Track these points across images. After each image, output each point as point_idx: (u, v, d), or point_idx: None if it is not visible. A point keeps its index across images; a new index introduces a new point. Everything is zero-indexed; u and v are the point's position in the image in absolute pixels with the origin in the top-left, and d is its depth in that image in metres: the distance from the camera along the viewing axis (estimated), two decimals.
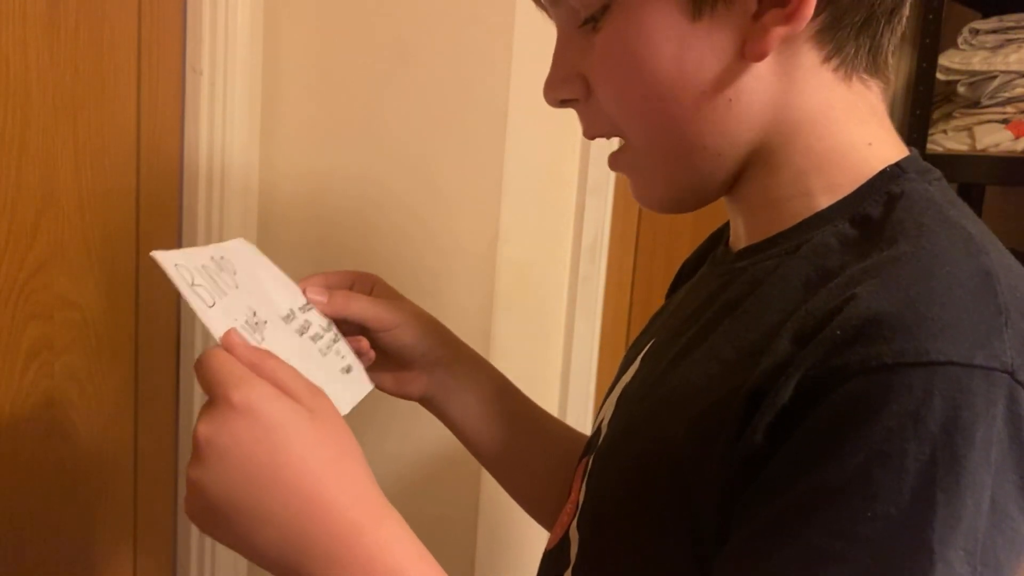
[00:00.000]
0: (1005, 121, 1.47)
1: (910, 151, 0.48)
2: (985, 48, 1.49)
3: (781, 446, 0.38)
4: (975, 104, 1.50)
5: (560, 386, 1.24)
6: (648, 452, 0.47)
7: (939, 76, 1.54)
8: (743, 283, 0.48)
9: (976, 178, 1.62)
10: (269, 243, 1.02)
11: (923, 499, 0.34)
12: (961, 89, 1.51)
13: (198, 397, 0.95)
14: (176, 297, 0.93)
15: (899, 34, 0.47)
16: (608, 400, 0.60)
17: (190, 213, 0.91)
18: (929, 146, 1.56)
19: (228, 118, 0.91)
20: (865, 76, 0.47)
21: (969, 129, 1.52)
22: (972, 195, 1.76)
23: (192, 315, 0.93)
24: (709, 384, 0.44)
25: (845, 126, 0.47)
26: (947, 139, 1.55)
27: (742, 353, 0.43)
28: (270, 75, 0.97)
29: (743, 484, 0.39)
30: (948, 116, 1.57)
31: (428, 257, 1.08)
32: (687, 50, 0.45)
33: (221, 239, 0.93)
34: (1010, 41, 1.47)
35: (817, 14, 0.43)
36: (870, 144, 0.47)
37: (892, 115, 1.67)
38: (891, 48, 0.48)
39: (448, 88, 1.03)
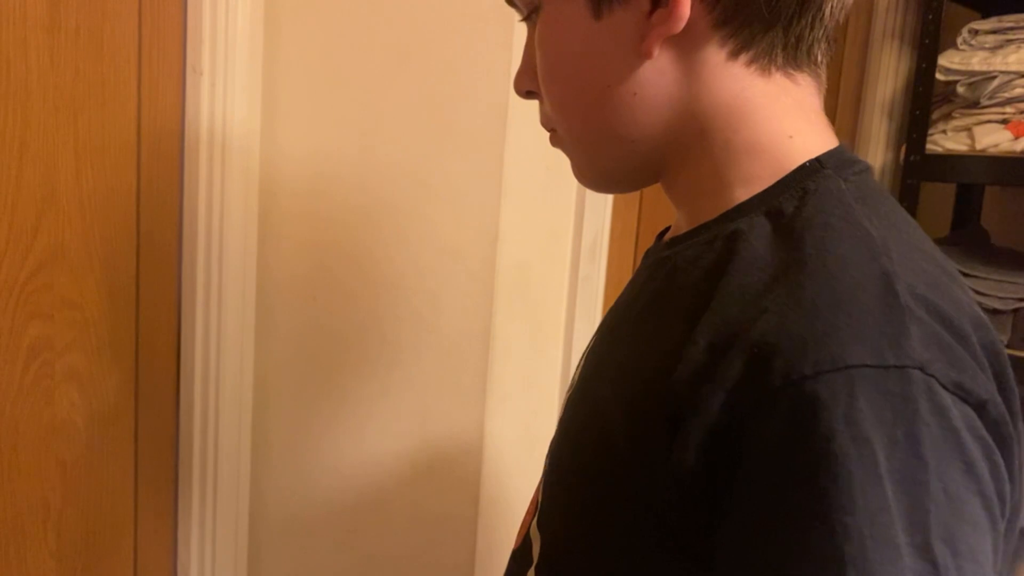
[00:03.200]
0: (1004, 121, 1.47)
1: (839, 143, 0.49)
2: (984, 48, 1.49)
3: (721, 476, 0.39)
4: (974, 104, 1.50)
5: (560, 386, 1.24)
6: (587, 451, 0.48)
7: (938, 76, 1.54)
8: (665, 273, 0.49)
9: (975, 178, 1.62)
10: (269, 245, 1.02)
11: (875, 500, 0.35)
12: (960, 89, 1.51)
13: (198, 397, 0.95)
14: (176, 297, 0.93)
15: (825, 26, 0.47)
16: (564, 399, 0.62)
17: (190, 213, 0.91)
18: (928, 146, 1.56)
19: (228, 118, 0.91)
20: (789, 70, 0.47)
21: (968, 129, 1.52)
22: (972, 195, 1.76)
23: (192, 315, 0.93)
24: (637, 382, 0.45)
25: (763, 119, 0.47)
26: (946, 139, 1.55)
27: (664, 349, 0.44)
28: (270, 75, 0.97)
29: (682, 501, 0.40)
30: (947, 116, 1.56)
31: (428, 257, 1.08)
32: (591, 47, 0.48)
33: (222, 239, 0.93)
34: (1009, 41, 1.47)
35: (708, 12, 0.45)
36: (791, 137, 0.47)
37: (892, 115, 1.67)
38: (816, 42, 0.48)
39: (448, 88, 1.03)
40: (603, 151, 0.52)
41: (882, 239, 0.42)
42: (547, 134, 0.56)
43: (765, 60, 0.47)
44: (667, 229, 0.61)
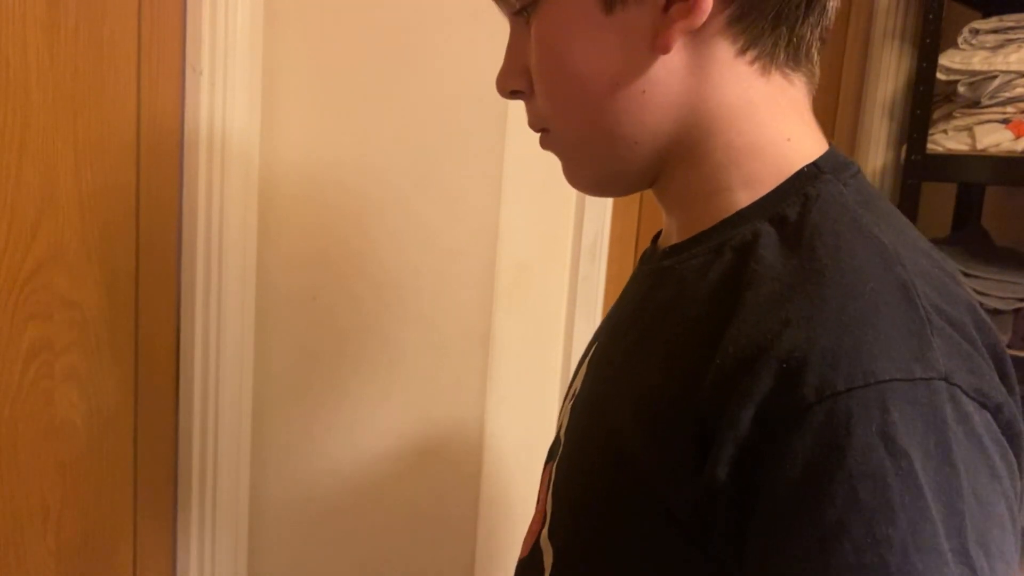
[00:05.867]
0: (1005, 121, 1.47)
1: (829, 145, 0.49)
2: (985, 48, 1.49)
3: (753, 488, 0.39)
4: (975, 104, 1.50)
5: (560, 386, 1.24)
6: (606, 467, 0.47)
7: (939, 76, 1.54)
8: (672, 283, 0.48)
9: (976, 178, 1.62)
10: (269, 244, 1.02)
11: (915, 509, 0.35)
12: (961, 89, 1.51)
13: (198, 397, 0.95)
14: (176, 296, 0.93)
15: (824, 26, 0.48)
16: (564, 405, 0.61)
17: (190, 212, 0.91)
18: (929, 146, 1.56)
19: (228, 118, 0.91)
20: (787, 70, 0.48)
21: (969, 129, 1.52)
22: (973, 195, 1.76)
23: (192, 315, 0.93)
24: (655, 394, 0.45)
25: (764, 120, 0.47)
26: (947, 139, 1.55)
27: (683, 362, 0.43)
28: (270, 75, 0.97)
29: (713, 515, 0.40)
30: (948, 116, 1.56)
31: (428, 257, 1.08)
32: (600, 42, 0.46)
33: (221, 239, 0.93)
34: (1010, 41, 1.47)
35: (724, 7, 0.44)
36: (789, 139, 0.47)
37: (892, 115, 1.67)
38: (815, 41, 0.48)
39: (448, 89, 1.03)
40: (603, 153, 0.50)
41: (892, 246, 0.42)
42: None
43: (767, 59, 0.47)
44: (660, 232, 0.60)
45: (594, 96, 0.48)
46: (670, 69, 0.46)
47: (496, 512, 1.16)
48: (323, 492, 1.11)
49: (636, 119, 0.48)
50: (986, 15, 1.56)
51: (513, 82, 0.53)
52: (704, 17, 0.44)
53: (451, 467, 1.15)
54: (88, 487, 0.87)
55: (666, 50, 0.45)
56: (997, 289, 1.47)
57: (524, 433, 1.20)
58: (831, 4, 0.47)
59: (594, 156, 0.51)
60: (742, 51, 0.46)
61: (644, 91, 0.47)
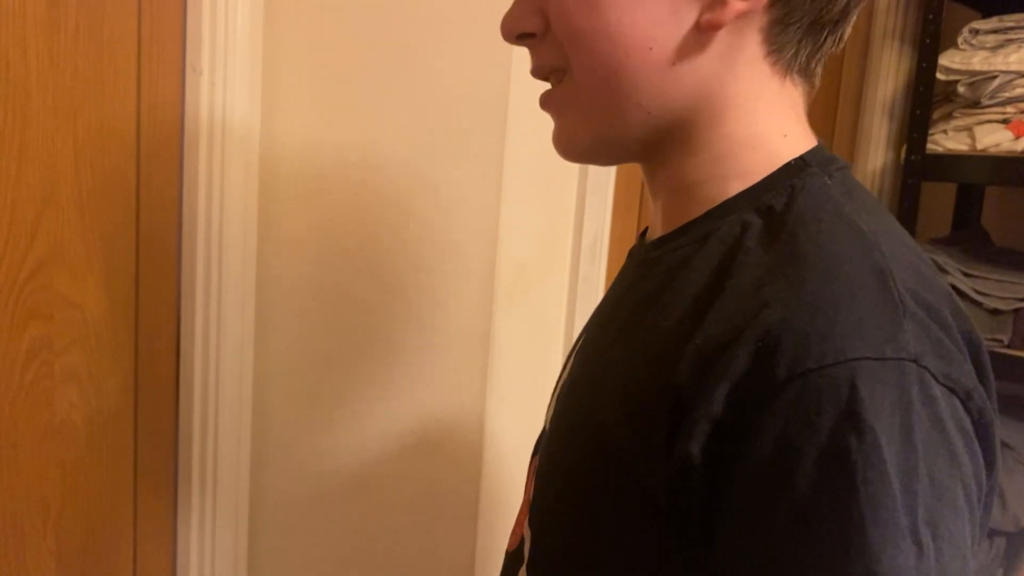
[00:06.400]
0: (1005, 121, 1.47)
1: (818, 142, 0.50)
2: (985, 48, 1.49)
3: (725, 465, 0.39)
4: (975, 104, 1.50)
5: None
6: (588, 449, 0.48)
7: (939, 76, 1.54)
8: (658, 274, 0.49)
9: (976, 178, 1.62)
10: (269, 245, 1.02)
11: (878, 485, 0.36)
12: (961, 89, 1.51)
13: (198, 397, 0.95)
14: (176, 296, 0.93)
15: (837, 49, 0.50)
16: (553, 398, 0.62)
17: (190, 212, 0.91)
18: (929, 146, 1.56)
19: (228, 118, 0.91)
20: (795, 77, 0.50)
21: (969, 129, 1.52)
22: (972, 195, 1.76)
23: (192, 315, 0.93)
24: (637, 381, 0.46)
25: (766, 117, 0.49)
26: (947, 139, 1.55)
27: (664, 348, 0.44)
28: (270, 75, 0.97)
29: (685, 491, 0.41)
30: (948, 116, 1.56)
31: (428, 256, 1.08)
32: (645, 5, 0.46)
33: (221, 238, 0.93)
34: (1010, 41, 1.47)
35: (767, 11, 0.46)
36: (785, 136, 0.49)
37: (892, 115, 1.67)
38: (825, 56, 0.50)
39: (448, 88, 1.03)
40: (612, 116, 0.50)
41: (872, 234, 0.43)
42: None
43: (785, 66, 0.48)
44: (647, 229, 0.61)
45: (624, 55, 0.47)
46: (702, 49, 0.47)
47: (496, 512, 1.16)
48: (323, 492, 1.11)
49: (655, 90, 0.48)
50: (986, 15, 1.56)
51: (527, 22, 0.51)
52: (763, 2, 0.45)
53: (451, 467, 1.15)
54: (88, 487, 0.87)
55: (716, 28, 0.45)
56: (996, 289, 1.47)
57: (524, 433, 1.20)
58: (847, 32, 0.49)
59: (602, 118, 0.50)
60: (768, 54, 0.48)
61: (674, 64, 0.47)
